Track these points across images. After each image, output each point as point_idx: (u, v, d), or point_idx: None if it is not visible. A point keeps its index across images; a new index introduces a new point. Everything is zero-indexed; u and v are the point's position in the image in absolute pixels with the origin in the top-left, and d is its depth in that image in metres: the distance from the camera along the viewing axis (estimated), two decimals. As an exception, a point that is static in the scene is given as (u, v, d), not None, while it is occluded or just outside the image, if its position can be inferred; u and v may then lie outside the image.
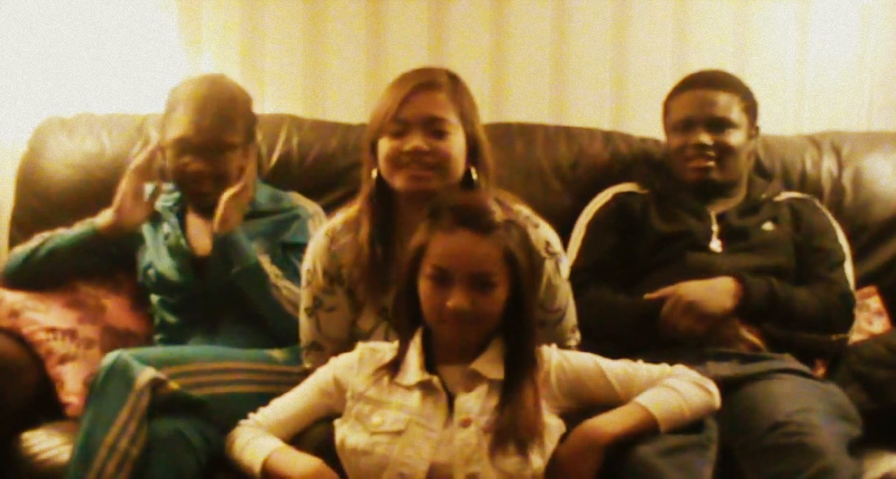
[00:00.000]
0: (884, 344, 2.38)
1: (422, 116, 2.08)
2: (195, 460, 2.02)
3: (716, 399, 1.95)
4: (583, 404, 1.93)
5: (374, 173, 2.13)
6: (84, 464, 1.98)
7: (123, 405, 1.99)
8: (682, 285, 2.33)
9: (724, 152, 2.50)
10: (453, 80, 2.16)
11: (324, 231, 2.20)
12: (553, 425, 1.88)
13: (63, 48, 3.00)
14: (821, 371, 2.43)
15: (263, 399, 2.05)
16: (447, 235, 1.86)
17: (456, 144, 2.10)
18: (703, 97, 2.53)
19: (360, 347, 1.98)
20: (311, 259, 2.19)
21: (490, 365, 1.89)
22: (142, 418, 2.00)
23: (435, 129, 2.08)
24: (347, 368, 1.95)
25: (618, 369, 1.94)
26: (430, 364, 1.91)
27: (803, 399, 2.07)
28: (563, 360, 1.93)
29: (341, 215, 2.21)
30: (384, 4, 3.05)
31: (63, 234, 2.46)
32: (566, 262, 2.24)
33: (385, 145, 2.09)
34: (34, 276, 2.45)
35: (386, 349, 1.96)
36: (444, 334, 1.90)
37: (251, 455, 1.92)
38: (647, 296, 2.36)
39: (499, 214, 1.89)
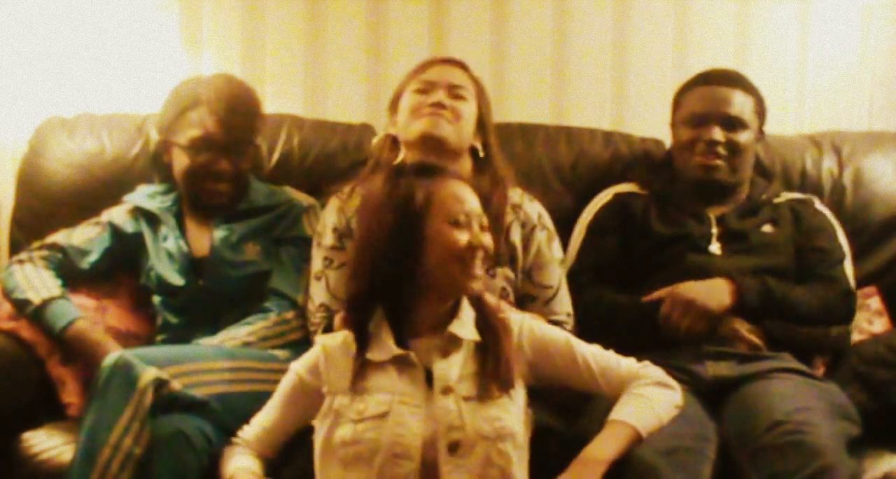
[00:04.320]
0: (884, 344, 2.38)
1: (446, 81, 2.31)
2: (197, 459, 2.02)
3: (679, 394, 1.98)
4: (544, 376, 1.97)
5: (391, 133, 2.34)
6: (88, 463, 1.98)
7: (127, 405, 1.99)
8: (678, 285, 2.33)
9: (734, 152, 2.49)
10: (469, 68, 2.41)
11: (335, 195, 2.34)
12: (519, 391, 1.93)
13: (63, 48, 3.00)
14: (821, 371, 2.43)
15: (266, 399, 2.05)
16: (444, 185, 1.93)
17: (469, 113, 2.31)
18: (719, 94, 2.52)
19: (318, 342, 1.99)
20: (323, 221, 2.34)
21: (465, 329, 1.93)
22: (145, 417, 2.00)
23: (456, 93, 2.31)
24: (312, 370, 1.96)
25: (587, 351, 1.99)
26: (399, 341, 1.92)
27: (802, 398, 2.08)
28: (533, 327, 1.98)
29: (347, 187, 2.35)
30: (384, 4, 3.06)
31: (49, 309, 2.36)
32: (559, 243, 2.35)
33: (410, 100, 2.31)
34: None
35: (344, 335, 1.96)
36: (468, 283, 1.92)
37: (223, 473, 1.98)
38: (645, 298, 2.36)
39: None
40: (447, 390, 1.87)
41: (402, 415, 1.85)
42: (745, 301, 2.32)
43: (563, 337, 2.00)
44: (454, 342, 1.92)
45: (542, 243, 2.29)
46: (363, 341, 1.93)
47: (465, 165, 2.31)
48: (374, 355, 1.91)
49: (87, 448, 2.00)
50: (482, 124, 2.34)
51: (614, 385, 1.96)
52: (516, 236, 2.30)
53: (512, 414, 1.88)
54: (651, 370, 1.98)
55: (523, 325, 1.98)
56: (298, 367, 1.99)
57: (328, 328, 2.20)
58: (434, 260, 1.90)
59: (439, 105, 2.27)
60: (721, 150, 2.48)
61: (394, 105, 2.37)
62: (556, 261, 2.33)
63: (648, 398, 1.93)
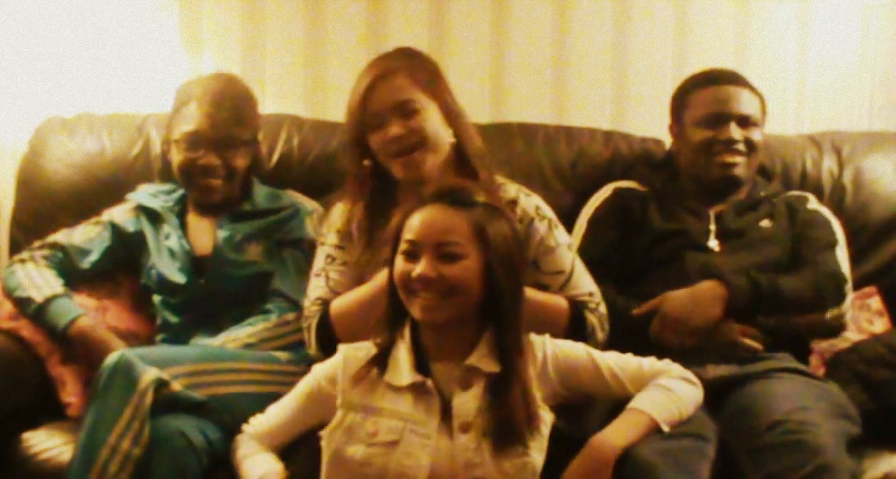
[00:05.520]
0: (884, 344, 2.38)
1: (391, 104, 2.18)
2: (197, 460, 2.02)
3: (701, 391, 1.99)
4: (575, 394, 1.96)
5: (367, 162, 2.22)
6: (86, 464, 1.98)
7: (126, 405, 2.00)
8: (667, 299, 2.31)
9: (751, 149, 2.51)
10: (409, 57, 2.25)
11: (341, 201, 2.29)
12: (546, 417, 1.90)
13: (63, 48, 3.00)
14: (821, 371, 2.43)
15: (266, 400, 2.06)
16: (420, 210, 1.90)
17: (429, 118, 2.19)
18: (731, 93, 2.52)
19: (342, 349, 1.97)
20: (329, 222, 2.29)
21: (485, 359, 1.89)
22: (144, 418, 2.00)
23: (405, 110, 2.18)
24: (331, 378, 1.94)
25: (609, 360, 1.98)
26: (421, 363, 1.90)
27: (802, 398, 2.08)
28: (556, 349, 1.96)
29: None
30: (384, 4, 3.06)
31: (52, 307, 2.37)
32: (563, 229, 2.29)
33: (375, 140, 2.20)
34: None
35: (368, 347, 1.94)
36: (416, 312, 1.88)
37: (246, 472, 1.96)
38: (636, 311, 2.34)
39: (482, 198, 1.91)
40: (466, 427, 1.85)
41: (411, 445, 1.83)
42: (735, 303, 2.31)
43: (583, 351, 1.97)
44: (474, 373, 1.89)
45: (542, 233, 2.24)
46: (384, 361, 1.91)
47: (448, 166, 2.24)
48: (392, 377, 1.89)
49: (86, 448, 2.00)
50: (448, 114, 2.22)
51: (642, 386, 1.95)
52: None
53: (534, 448, 1.85)
54: (675, 366, 1.99)
55: (546, 349, 1.95)
56: (319, 372, 1.98)
57: (323, 319, 2.16)
58: (398, 288, 1.90)
59: (398, 140, 2.16)
60: (741, 147, 2.49)
61: (360, 141, 2.23)
62: (562, 246, 2.25)
63: (671, 390, 1.93)
